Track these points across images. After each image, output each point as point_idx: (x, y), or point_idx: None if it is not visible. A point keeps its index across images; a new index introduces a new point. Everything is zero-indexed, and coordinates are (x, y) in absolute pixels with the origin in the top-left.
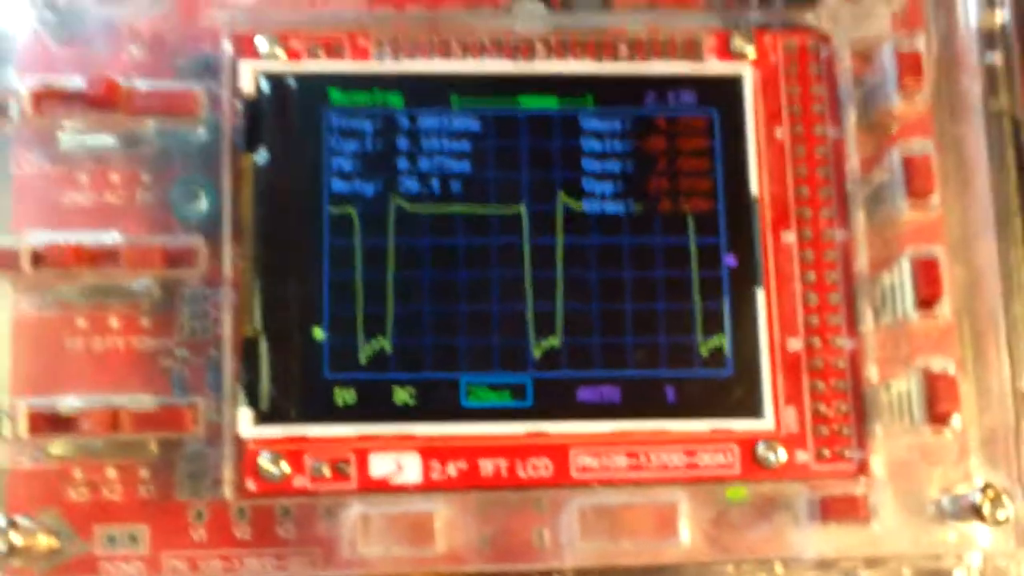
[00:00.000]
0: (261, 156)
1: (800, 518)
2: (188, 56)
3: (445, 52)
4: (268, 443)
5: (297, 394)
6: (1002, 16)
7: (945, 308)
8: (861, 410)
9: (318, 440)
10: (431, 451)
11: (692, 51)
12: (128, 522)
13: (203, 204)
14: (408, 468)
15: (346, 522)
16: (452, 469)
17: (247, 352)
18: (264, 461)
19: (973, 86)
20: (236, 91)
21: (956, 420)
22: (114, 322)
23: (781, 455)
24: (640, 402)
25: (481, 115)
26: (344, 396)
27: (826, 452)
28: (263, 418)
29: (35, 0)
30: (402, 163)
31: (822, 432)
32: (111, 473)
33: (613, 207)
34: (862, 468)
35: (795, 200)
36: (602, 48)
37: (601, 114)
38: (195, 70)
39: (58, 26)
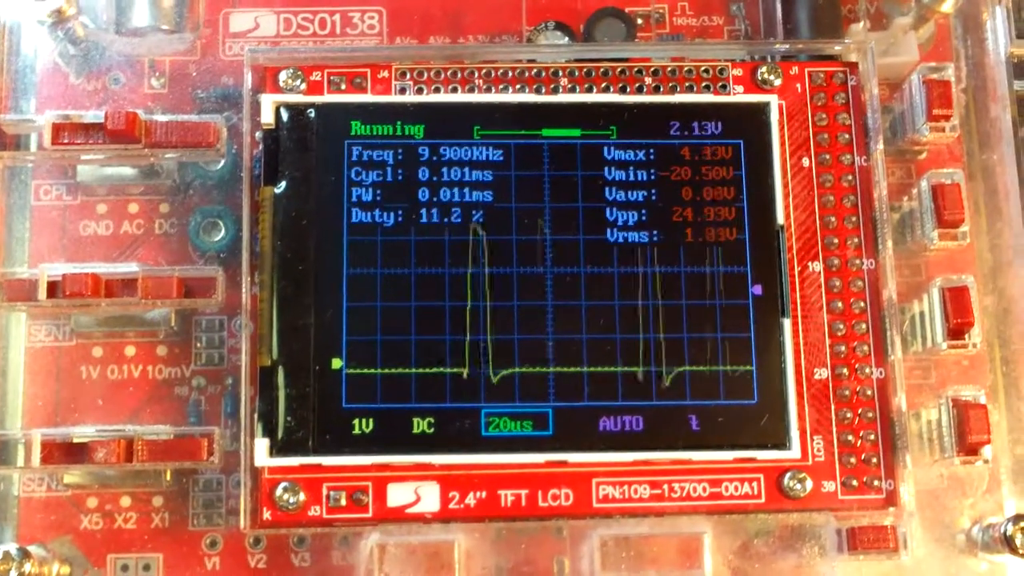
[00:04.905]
0: (280, 187)
1: (827, 549)
2: (208, 89)
3: (467, 84)
4: (285, 473)
5: (314, 424)
6: None
7: (976, 337)
8: (889, 440)
9: (335, 469)
10: (450, 480)
11: (717, 81)
12: (142, 551)
13: (222, 234)
14: (427, 497)
15: (363, 551)
16: (471, 499)
17: (264, 382)
18: (281, 491)
19: (1003, 115)
20: (256, 123)
21: (987, 450)
22: (130, 351)
23: (807, 485)
24: (663, 431)
25: (503, 146)
26: (362, 426)
27: (854, 482)
28: (279, 448)
29: (56, 33)
30: (423, 193)
31: (849, 462)
32: (125, 502)
33: (637, 236)
34: (890, 498)
35: (822, 229)
36: (626, 79)
37: (625, 144)
38: (215, 102)
39: (79, 59)
